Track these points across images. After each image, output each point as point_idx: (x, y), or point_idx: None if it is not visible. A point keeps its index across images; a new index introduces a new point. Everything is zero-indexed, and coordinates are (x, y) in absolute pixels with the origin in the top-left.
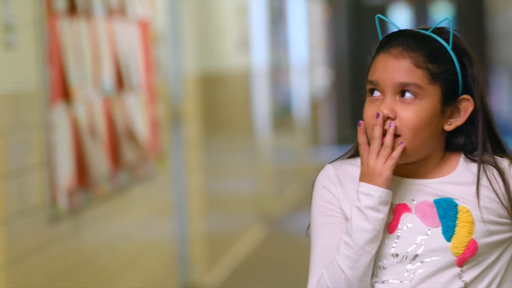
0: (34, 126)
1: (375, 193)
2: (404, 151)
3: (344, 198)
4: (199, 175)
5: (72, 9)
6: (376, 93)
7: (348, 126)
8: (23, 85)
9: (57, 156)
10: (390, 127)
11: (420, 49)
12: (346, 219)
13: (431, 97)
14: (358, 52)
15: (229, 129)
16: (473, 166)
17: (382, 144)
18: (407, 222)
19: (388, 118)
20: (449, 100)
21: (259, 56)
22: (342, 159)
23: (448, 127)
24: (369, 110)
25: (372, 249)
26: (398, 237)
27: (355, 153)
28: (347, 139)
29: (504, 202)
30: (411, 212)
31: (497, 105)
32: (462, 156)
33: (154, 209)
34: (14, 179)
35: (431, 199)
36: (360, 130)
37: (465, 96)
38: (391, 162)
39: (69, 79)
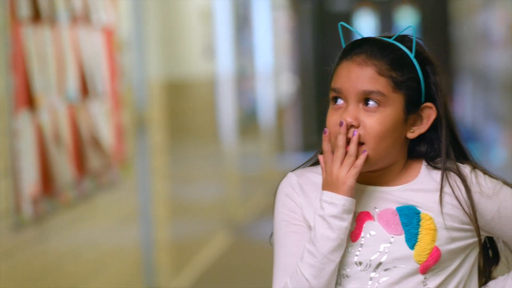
0: None
1: (339, 201)
2: (367, 159)
3: (307, 206)
4: (165, 181)
5: (36, 16)
6: (339, 101)
7: (314, 133)
8: None
9: (22, 163)
10: (354, 135)
11: (383, 57)
12: (309, 227)
13: (394, 105)
14: (323, 59)
15: (195, 135)
16: (435, 173)
17: (346, 152)
18: (370, 230)
19: (352, 126)
20: (412, 108)
21: (224, 62)
22: (304, 167)
23: (411, 135)
24: (332, 118)
25: (336, 258)
26: (361, 245)
27: (317, 161)
28: (313, 145)
29: (466, 209)
30: (374, 220)
31: (461, 111)
32: (424, 163)
33: (120, 216)
34: None
35: (394, 207)
36: (325, 137)
37: (427, 104)
38: (354, 171)
39: (33, 86)
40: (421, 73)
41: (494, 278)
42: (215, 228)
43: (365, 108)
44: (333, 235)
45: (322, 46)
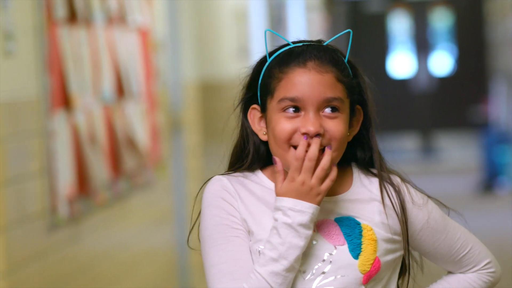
0: (34, 134)
1: (308, 210)
2: (332, 161)
3: (245, 211)
4: (199, 182)
5: (72, 17)
6: (291, 110)
7: None
8: (23, 93)
9: (57, 164)
10: (328, 149)
11: (337, 64)
12: (248, 232)
13: (346, 110)
14: (357, 60)
15: (229, 136)
16: (367, 182)
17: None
18: (312, 240)
19: (317, 135)
20: (352, 112)
21: None
22: (228, 172)
23: (349, 138)
24: (287, 126)
25: (298, 265)
26: (304, 254)
27: (248, 165)
28: None
29: (399, 218)
30: (315, 231)
31: (495, 113)
32: (355, 169)
33: (154, 216)
34: (14, 186)
35: (332, 218)
36: (304, 143)
37: (358, 106)
38: (330, 184)
39: (69, 87)
40: (353, 77)
41: None
42: None
43: (326, 115)
44: (301, 243)
45: (356, 47)
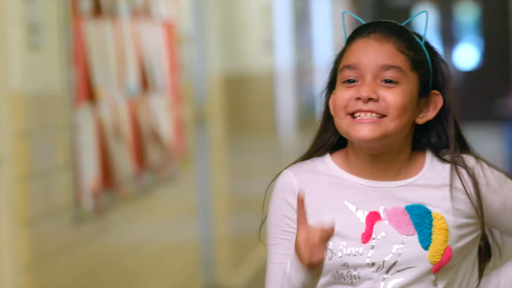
0: (59, 127)
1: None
2: (384, 131)
3: (314, 203)
4: (224, 176)
5: (97, 10)
6: (352, 78)
7: None
8: (48, 86)
9: (82, 157)
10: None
11: (400, 36)
12: None
13: (410, 84)
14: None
15: (254, 130)
16: (441, 167)
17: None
18: (381, 231)
19: (370, 99)
20: (423, 92)
21: (284, 57)
22: (300, 161)
23: (420, 120)
24: (345, 92)
25: None
26: (372, 247)
27: (311, 153)
28: None
29: (474, 202)
30: (384, 220)
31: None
32: (429, 155)
33: (179, 210)
34: (39, 180)
35: (403, 206)
36: (299, 201)
37: (435, 91)
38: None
39: (93, 80)
40: (430, 60)
41: (486, 274)
42: None
43: (384, 85)
44: (296, 285)
45: None
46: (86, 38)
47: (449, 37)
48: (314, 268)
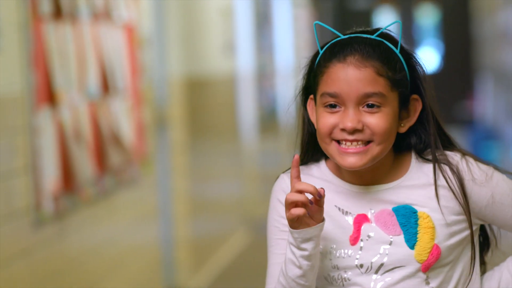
0: (19, 130)
1: (294, 234)
2: (372, 156)
3: None
4: (185, 179)
5: (57, 13)
6: (331, 105)
7: None
8: (7, 88)
9: (42, 160)
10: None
11: (378, 57)
12: None
13: (392, 104)
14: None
15: (215, 133)
16: (426, 167)
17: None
18: (369, 233)
19: (356, 130)
20: (403, 104)
21: (245, 60)
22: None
23: (402, 129)
24: (328, 120)
25: (306, 282)
26: (361, 248)
27: (305, 159)
28: None
29: (460, 199)
30: (371, 222)
31: (482, 110)
32: (413, 156)
33: (140, 213)
34: None
35: (390, 207)
36: (295, 163)
37: (414, 96)
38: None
39: (54, 83)
40: (407, 68)
41: (486, 264)
42: (234, 226)
43: (366, 110)
44: (296, 262)
45: None
46: (47, 41)
47: (410, 40)
48: (295, 226)
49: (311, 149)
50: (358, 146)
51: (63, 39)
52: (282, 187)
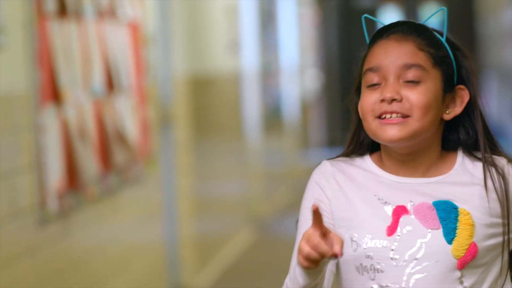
0: (23, 128)
1: (292, 268)
2: (412, 130)
3: (337, 197)
4: (189, 177)
5: (62, 11)
6: (376, 81)
7: (338, 129)
8: (12, 87)
9: (47, 158)
10: None
11: (420, 35)
12: (332, 224)
13: (433, 81)
14: (348, 55)
15: (219, 131)
16: (471, 165)
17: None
18: (406, 225)
19: (394, 100)
20: (448, 87)
21: (249, 58)
22: (340, 156)
23: (447, 116)
24: (370, 96)
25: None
26: (397, 240)
27: (351, 150)
28: (337, 141)
29: (502, 201)
30: (410, 214)
31: (487, 108)
32: (460, 154)
33: (144, 211)
34: (4, 181)
35: (430, 201)
36: (315, 212)
37: (461, 86)
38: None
39: (59, 81)
40: (452, 56)
41: None
42: (239, 225)
43: (406, 84)
44: (301, 282)
45: (347, 42)
46: (51, 39)
47: None
48: (305, 266)
49: (359, 143)
50: (397, 118)
51: (68, 37)
52: (322, 171)
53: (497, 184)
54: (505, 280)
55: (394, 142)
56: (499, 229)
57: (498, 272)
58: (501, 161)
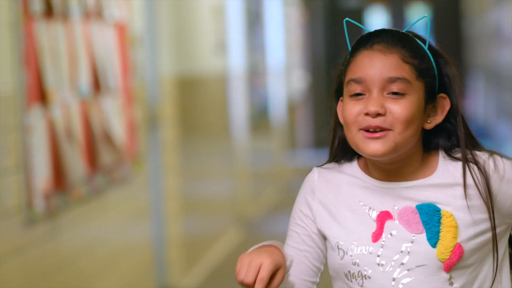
0: (10, 129)
1: None
2: (394, 144)
3: (324, 207)
4: (176, 177)
5: (48, 12)
6: (359, 91)
7: (325, 129)
8: None
9: (34, 159)
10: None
11: (404, 46)
12: (316, 234)
13: (417, 93)
14: (335, 55)
15: (206, 132)
16: (453, 166)
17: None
18: (391, 230)
19: (379, 114)
20: (430, 98)
21: (236, 58)
22: (329, 161)
23: (428, 126)
24: (353, 107)
25: None
26: (382, 245)
27: (339, 155)
28: (324, 142)
29: (483, 197)
30: (394, 220)
31: (473, 108)
32: (441, 155)
33: (131, 212)
34: None
35: (413, 205)
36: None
37: (442, 94)
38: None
39: (45, 82)
40: (435, 64)
41: None
42: (226, 225)
43: (390, 96)
44: None
45: (334, 43)
46: (38, 40)
47: None
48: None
49: (341, 152)
50: (379, 132)
51: (55, 38)
52: (310, 185)
53: (478, 181)
54: (495, 277)
55: (376, 157)
56: (487, 225)
57: (490, 269)
58: (482, 156)
